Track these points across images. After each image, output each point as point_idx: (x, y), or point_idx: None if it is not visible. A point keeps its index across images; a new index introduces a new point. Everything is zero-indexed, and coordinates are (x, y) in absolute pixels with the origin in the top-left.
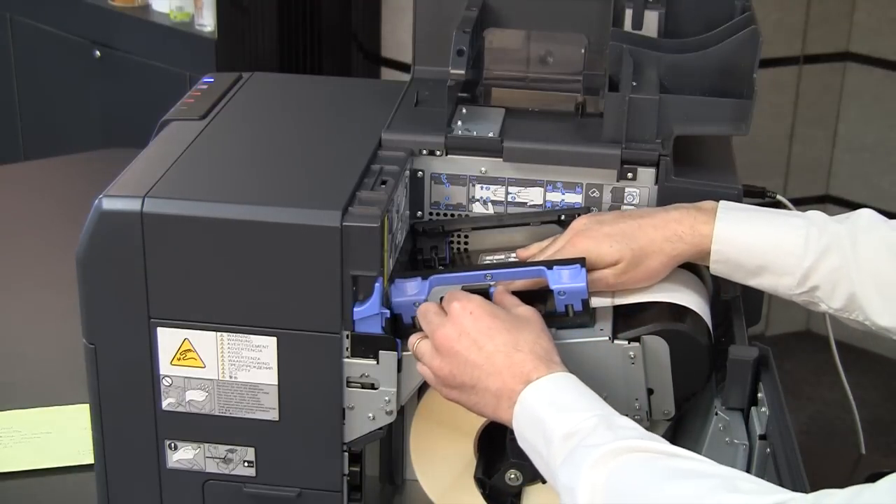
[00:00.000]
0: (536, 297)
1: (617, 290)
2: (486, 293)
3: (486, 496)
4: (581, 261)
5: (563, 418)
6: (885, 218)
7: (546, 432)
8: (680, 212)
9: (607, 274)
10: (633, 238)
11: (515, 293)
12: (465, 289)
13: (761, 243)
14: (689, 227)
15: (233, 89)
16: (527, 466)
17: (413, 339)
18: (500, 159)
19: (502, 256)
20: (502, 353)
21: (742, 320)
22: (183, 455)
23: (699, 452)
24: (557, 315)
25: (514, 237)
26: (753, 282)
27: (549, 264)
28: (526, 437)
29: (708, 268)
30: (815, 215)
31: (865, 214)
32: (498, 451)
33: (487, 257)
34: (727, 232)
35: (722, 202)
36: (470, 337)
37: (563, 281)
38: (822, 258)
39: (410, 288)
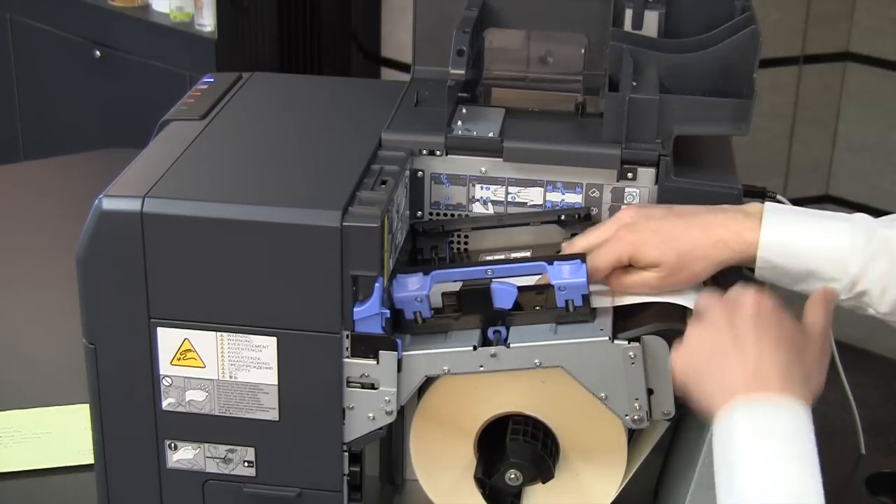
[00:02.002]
0: (536, 292)
1: (661, 292)
2: (487, 289)
3: (486, 496)
4: (581, 256)
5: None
6: None
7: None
8: (726, 215)
9: (650, 277)
10: (678, 241)
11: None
12: (465, 284)
13: (808, 250)
14: (735, 233)
15: (233, 89)
16: (527, 466)
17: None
18: (500, 159)
19: (502, 256)
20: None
21: None
22: (183, 455)
23: (699, 453)
24: (557, 310)
25: (514, 237)
26: (800, 287)
27: (550, 259)
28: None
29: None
30: (861, 219)
31: None
32: (498, 451)
33: (487, 257)
34: (773, 238)
35: (768, 205)
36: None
37: (564, 276)
38: (870, 264)
39: (412, 283)
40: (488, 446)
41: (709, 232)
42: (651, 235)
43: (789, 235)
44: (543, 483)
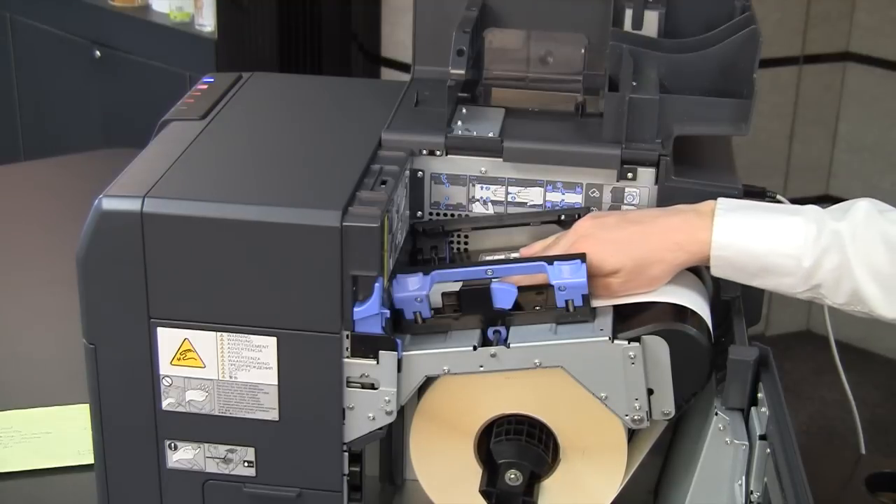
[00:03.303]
0: (536, 292)
1: (620, 297)
2: (487, 289)
3: None
4: (581, 256)
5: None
6: (882, 208)
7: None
8: (680, 218)
9: (611, 282)
10: (634, 248)
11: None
12: (465, 284)
13: (761, 247)
14: (688, 234)
15: (233, 89)
16: (516, 463)
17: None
18: (500, 159)
19: (502, 256)
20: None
21: (742, 320)
22: (183, 455)
23: (699, 452)
24: (557, 310)
25: (514, 237)
26: (756, 283)
27: (550, 259)
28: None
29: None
30: (812, 212)
31: (863, 209)
32: (492, 459)
33: (487, 257)
34: (725, 238)
35: (720, 203)
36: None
37: (564, 276)
38: (822, 257)
39: (412, 283)
40: (488, 458)
41: (664, 237)
42: (608, 245)
43: (741, 233)
44: (545, 473)
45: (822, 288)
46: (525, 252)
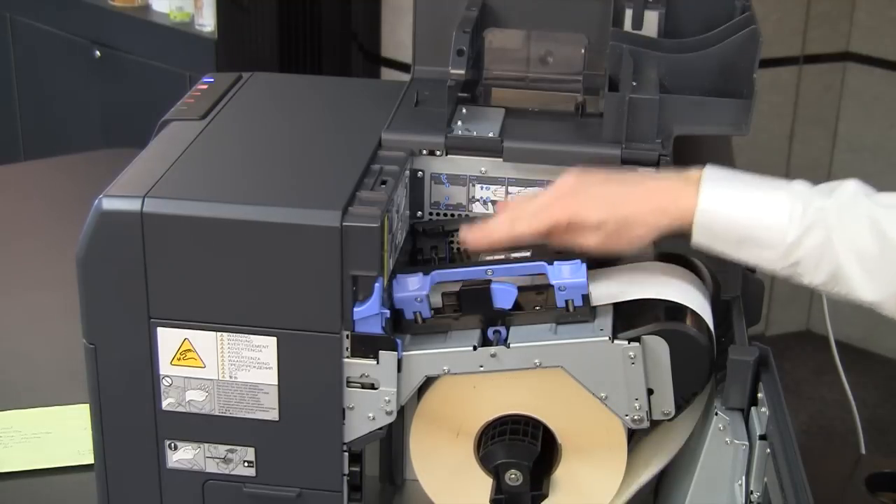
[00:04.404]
0: (536, 292)
1: (598, 254)
2: (487, 289)
3: None
4: (582, 256)
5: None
6: (869, 190)
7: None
8: (666, 182)
9: (590, 239)
10: (617, 207)
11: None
12: (465, 284)
13: (745, 218)
14: (673, 199)
15: (233, 89)
16: (505, 463)
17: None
18: (500, 159)
19: (502, 256)
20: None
21: (742, 320)
22: (183, 455)
23: (699, 452)
24: (557, 310)
25: None
26: (736, 254)
27: (550, 259)
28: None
29: (705, 264)
30: (800, 187)
31: (850, 188)
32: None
33: (487, 257)
34: (709, 206)
35: (707, 170)
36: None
37: (564, 276)
38: (806, 234)
39: (412, 283)
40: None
41: (648, 198)
42: (591, 200)
43: (726, 203)
44: (547, 465)
45: (801, 265)
46: (501, 206)
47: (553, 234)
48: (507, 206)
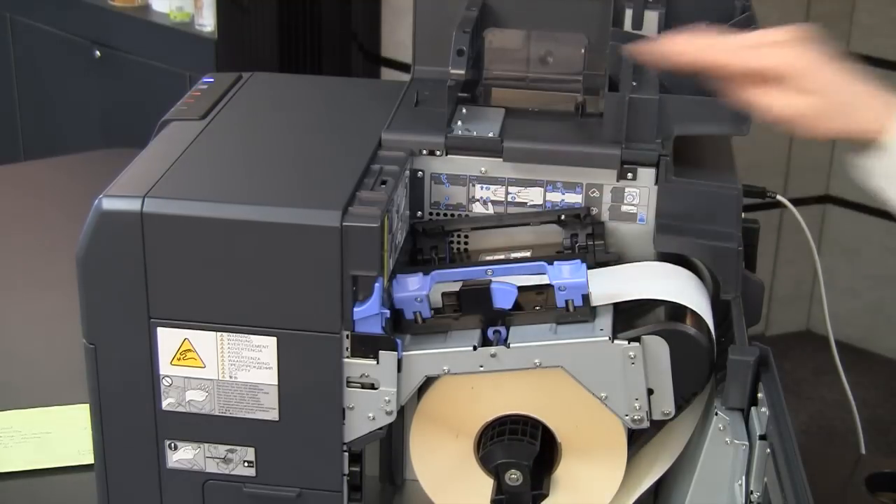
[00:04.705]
0: (536, 292)
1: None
2: (487, 289)
3: None
4: (581, 256)
5: None
6: None
7: None
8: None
9: (800, 105)
10: (843, 89)
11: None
12: (465, 284)
13: None
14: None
15: (233, 89)
16: (503, 464)
17: None
18: (500, 159)
19: (502, 256)
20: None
21: (742, 320)
22: (183, 455)
23: (699, 453)
24: (557, 310)
25: (514, 237)
26: None
27: (550, 259)
28: None
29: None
30: None
31: None
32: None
33: (487, 257)
34: None
35: None
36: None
37: (564, 276)
38: None
39: (412, 283)
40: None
41: (870, 101)
42: (822, 66)
43: None
44: (546, 463)
45: None
46: (729, 43)
47: (751, 81)
48: (691, 35)
